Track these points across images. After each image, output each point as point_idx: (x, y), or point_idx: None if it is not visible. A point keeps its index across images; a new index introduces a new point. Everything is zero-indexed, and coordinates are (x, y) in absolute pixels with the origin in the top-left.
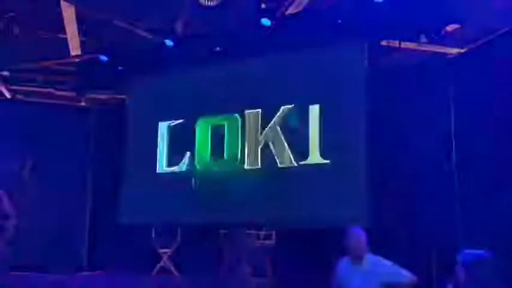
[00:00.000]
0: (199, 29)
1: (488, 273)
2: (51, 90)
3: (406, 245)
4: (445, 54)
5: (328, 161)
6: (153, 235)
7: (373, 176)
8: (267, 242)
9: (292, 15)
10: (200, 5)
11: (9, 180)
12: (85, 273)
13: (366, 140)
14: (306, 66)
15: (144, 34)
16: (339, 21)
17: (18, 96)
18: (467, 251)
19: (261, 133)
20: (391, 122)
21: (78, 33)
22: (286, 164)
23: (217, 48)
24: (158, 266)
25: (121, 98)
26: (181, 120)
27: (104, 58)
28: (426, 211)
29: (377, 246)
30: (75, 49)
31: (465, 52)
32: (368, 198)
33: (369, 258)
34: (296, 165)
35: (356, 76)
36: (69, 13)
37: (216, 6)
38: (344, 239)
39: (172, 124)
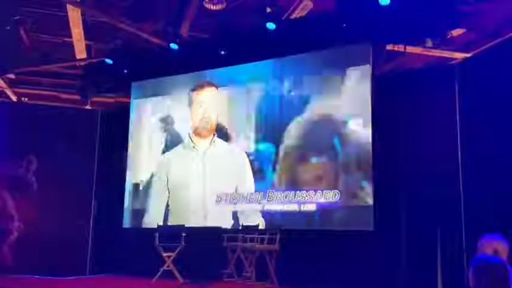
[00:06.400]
0: (205, 32)
1: (499, 278)
2: (56, 93)
3: (410, 247)
4: (450, 58)
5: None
6: (157, 238)
7: (378, 180)
8: (271, 246)
9: (297, 19)
10: (205, 9)
11: (14, 182)
12: (88, 276)
13: (371, 143)
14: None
15: (149, 37)
16: (344, 25)
17: (24, 99)
18: (479, 255)
19: None
20: (396, 126)
21: (84, 37)
22: None
23: (222, 52)
24: (161, 269)
25: (126, 101)
26: None
27: (109, 61)
28: (430, 214)
29: (381, 249)
30: (80, 52)
31: (471, 57)
32: (373, 202)
33: None
34: None
35: (361, 80)
36: (74, 16)
37: (221, 10)
38: None
39: None
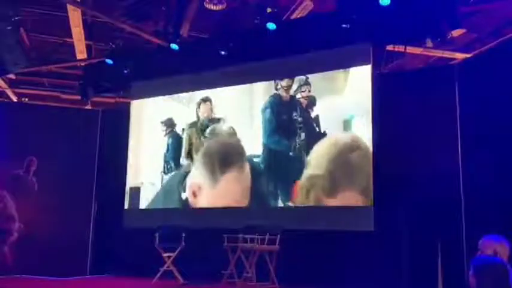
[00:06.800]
0: (205, 32)
1: (499, 278)
2: (56, 93)
3: (410, 247)
4: (450, 59)
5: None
6: (157, 239)
7: (378, 180)
8: (271, 246)
9: (298, 19)
10: (205, 9)
11: (14, 183)
12: (88, 276)
13: (371, 143)
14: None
15: (150, 38)
16: (343, 25)
17: (24, 99)
18: (479, 255)
19: None
20: (397, 126)
21: (84, 37)
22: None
23: (223, 52)
24: (161, 270)
25: (127, 101)
26: None
27: (109, 61)
28: (430, 214)
29: (382, 249)
30: (80, 52)
31: (471, 57)
32: (373, 202)
33: None
34: None
35: (362, 81)
36: (74, 16)
37: (221, 10)
38: None
39: None
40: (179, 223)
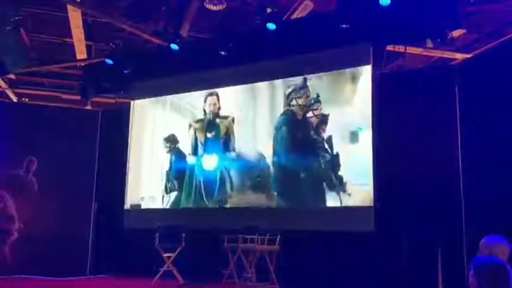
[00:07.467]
0: (205, 33)
1: (499, 279)
2: (56, 93)
3: (410, 247)
4: (451, 59)
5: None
6: (157, 239)
7: (378, 181)
8: (271, 246)
9: (298, 19)
10: (205, 9)
11: (14, 183)
12: (88, 277)
13: (372, 143)
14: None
15: (150, 38)
16: (343, 25)
17: (24, 99)
18: (480, 256)
19: None
20: (397, 126)
21: (84, 37)
22: None
23: (223, 52)
24: (161, 270)
25: (127, 102)
26: None
27: (109, 61)
28: (431, 216)
29: (382, 249)
30: (81, 52)
31: (471, 57)
32: (373, 202)
33: None
34: None
35: (361, 81)
36: (74, 16)
37: (221, 10)
38: None
39: None
40: (179, 223)
